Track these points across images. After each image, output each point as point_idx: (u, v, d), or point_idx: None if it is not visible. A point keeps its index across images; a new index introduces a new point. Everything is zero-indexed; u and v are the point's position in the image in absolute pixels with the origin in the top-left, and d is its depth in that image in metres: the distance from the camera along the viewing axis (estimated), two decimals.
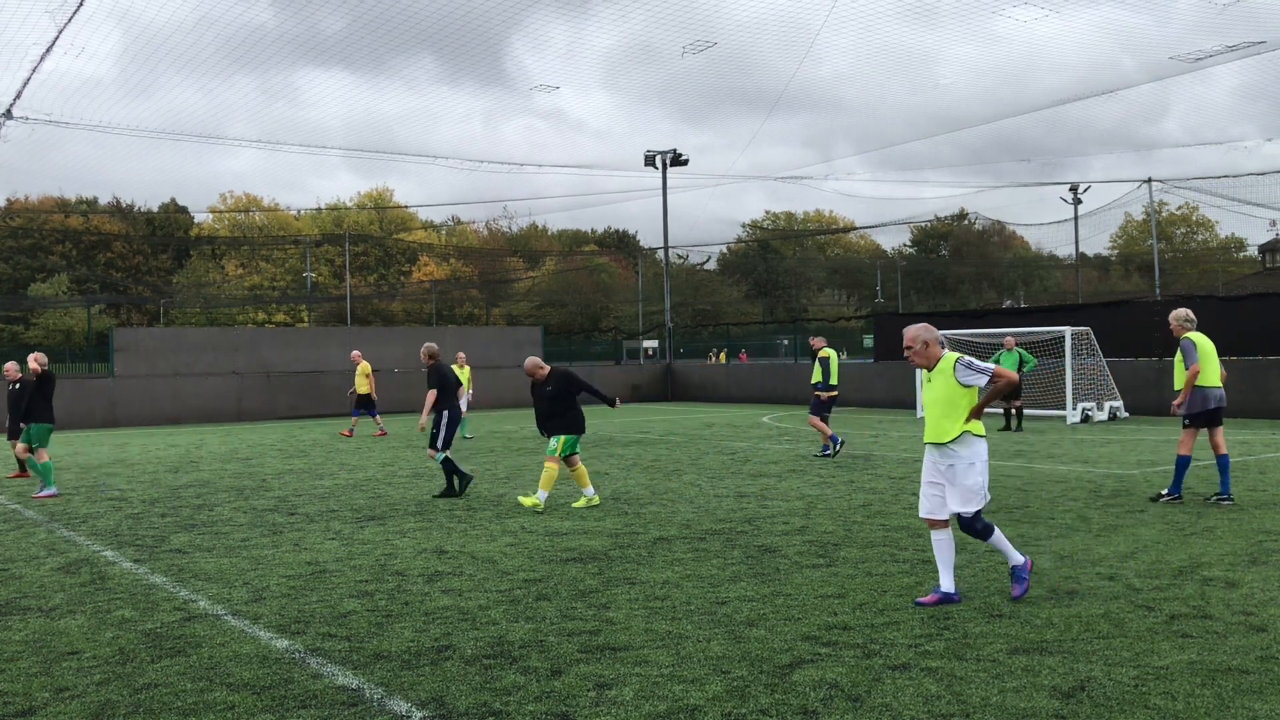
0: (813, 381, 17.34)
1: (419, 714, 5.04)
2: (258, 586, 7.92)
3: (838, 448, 16.78)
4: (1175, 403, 11.03)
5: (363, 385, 24.07)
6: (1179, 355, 11.11)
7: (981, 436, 6.95)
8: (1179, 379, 11.08)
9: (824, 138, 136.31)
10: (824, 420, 17.05)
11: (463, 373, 22.38)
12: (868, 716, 4.86)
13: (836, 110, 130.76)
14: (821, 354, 17.31)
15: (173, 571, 8.58)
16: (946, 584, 6.95)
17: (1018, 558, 7.12)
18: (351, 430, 23.84)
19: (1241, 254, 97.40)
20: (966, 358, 6.92)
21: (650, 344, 66.22)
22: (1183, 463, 11.11)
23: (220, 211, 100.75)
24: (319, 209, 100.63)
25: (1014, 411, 21.83)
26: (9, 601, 7.61)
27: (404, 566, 8.57)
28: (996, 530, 7.09)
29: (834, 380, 17.16)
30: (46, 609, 7.34)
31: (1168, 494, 11.17)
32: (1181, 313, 11.17)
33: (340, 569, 8.52)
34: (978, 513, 6.98)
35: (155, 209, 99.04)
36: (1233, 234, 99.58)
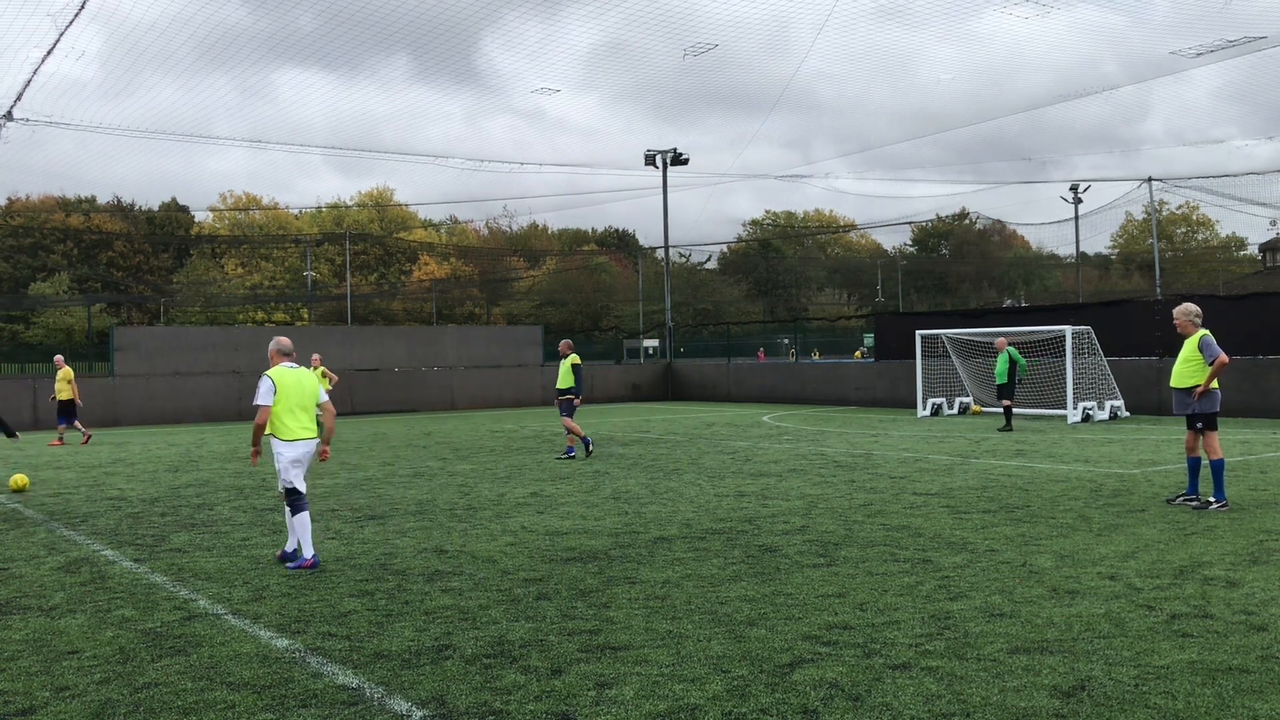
0: (563, 386, 17.79)
1: (419, 713, 5.04)
2: (258, 586, 7.92)
3: (589, 449, 17.46)
4: (1199, 390, 10.49)
5: (64, 392, 23.02)
6: (1190, 350, 10.60)
7: (283, 440, 8.78)
8: (1185, 376, 10.66)
9: (808, 138, 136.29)
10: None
11: (315, 372, 22.18)
12: (868, 716, 4.85)
13: (824, 110, 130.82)
14: (574, 361, 17.84)
15: (173, 571, 8.58)
16: (306, 551, 8.55)
17: (307, 551, 8.51)
18: (61, 439, 23.05)
19: (1242, 253, 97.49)
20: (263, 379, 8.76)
21: (651, 343, 66.25)
22: (1218, 466, 10.63)
23: (220, 211, 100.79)
24: (319, 208, 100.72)
25: (1003, 411, 22.07)
26: (9, 601, 7.61)
27: (404, 566, 8.57)
28: (303, 515, 8.58)
29: (580, 385, 17.91)
30: (47, 608, 7.34)
31: (1216, 501, 10.57)
32: (1191, 308, 10.73)
33: (340, 568, 8.52)
34: (285, 493, 8.75)
35: (156, 208, 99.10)
36: (1233, 233, 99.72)
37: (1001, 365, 22.02)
